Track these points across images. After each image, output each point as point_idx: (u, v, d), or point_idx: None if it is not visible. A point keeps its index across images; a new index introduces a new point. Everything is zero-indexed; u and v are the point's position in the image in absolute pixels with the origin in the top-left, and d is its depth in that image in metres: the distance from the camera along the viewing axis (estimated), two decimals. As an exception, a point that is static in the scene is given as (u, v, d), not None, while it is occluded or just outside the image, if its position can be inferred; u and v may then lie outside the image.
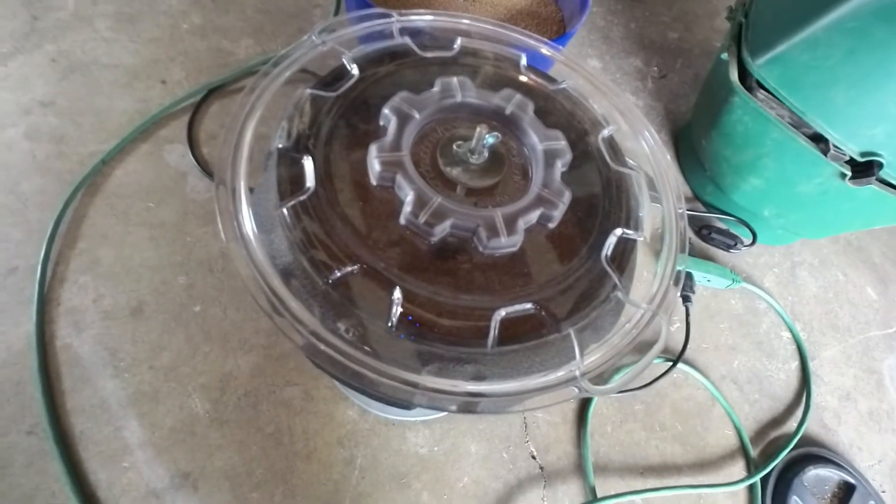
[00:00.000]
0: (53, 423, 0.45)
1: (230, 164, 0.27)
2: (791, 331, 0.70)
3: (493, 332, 0.27)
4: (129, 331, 0.51)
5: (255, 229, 0.27)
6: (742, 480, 0.56)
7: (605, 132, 0.38)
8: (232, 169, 0.27)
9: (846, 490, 0.58)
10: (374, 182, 0.31)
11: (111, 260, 0.54)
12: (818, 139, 0.56)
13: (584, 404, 0.57)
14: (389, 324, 0.26)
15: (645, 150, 0.38)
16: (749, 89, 0.59)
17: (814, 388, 0.65)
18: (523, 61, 0.40)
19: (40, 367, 0.47)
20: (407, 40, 0.37)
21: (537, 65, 0.42)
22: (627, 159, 0.38)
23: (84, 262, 0.53)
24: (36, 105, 0.61)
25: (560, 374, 0.27)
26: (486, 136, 0.31)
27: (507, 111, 0.35)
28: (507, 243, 0.30)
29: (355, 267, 0.27)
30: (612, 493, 0.53)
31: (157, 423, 0.48)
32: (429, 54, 0.37)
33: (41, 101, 0.61)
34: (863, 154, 0.54)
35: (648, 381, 0.58)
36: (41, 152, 0.58)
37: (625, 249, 0.34)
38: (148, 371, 0.50)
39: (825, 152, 0.55)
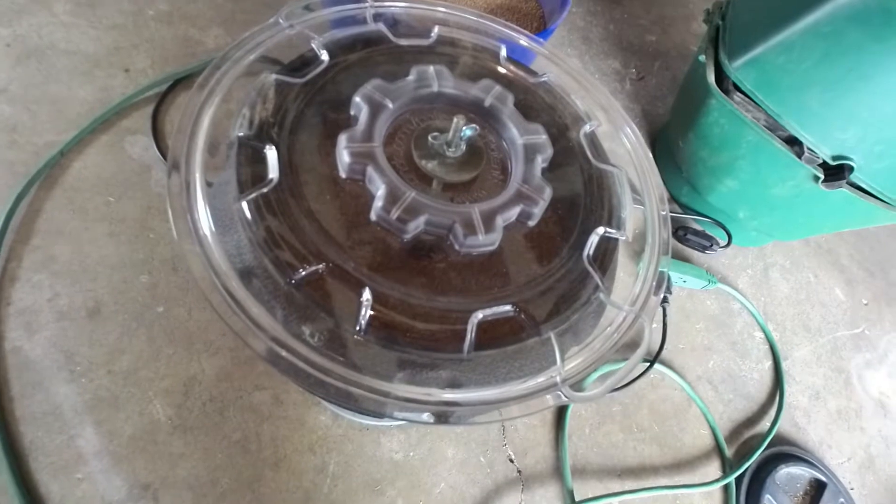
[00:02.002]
0: (1, 432, 0.42)
1: (184, 154, 0.25)
2: (764, 331, 0.71)
3: (470, 335, 0.26)
4: (87, 332, 0.48)
5: (212, 225, 0.25)
6: (717, 480, 0.57)
7: (587, 128, 0.37)
8: (186, 160, 0.25)
9: (817, 488, 0.59)
10: (343, 175, 0.29)
11: (68, 257, 0.51)
12: (792, 142, 0.57)
13: (562, 407, 0.56)
14: (358, 328, 0.25)
15: (627, 147, 0.37)
16: (725, 92, 0.59)
17: (786, 387, 0.66)
18: (503, 52, 0.39)
19: (-15, 372, 0.44)
20: (381, 27, 0.35)
21: (518, 59, 0.41)
22: (609, 157, 0.37)
23: (38, 260, 0.50)
24: (-15, 91, 0.57)
25: (540, 380, 0.26)
26: (464, 127, 0.30)
27: (486, 103, 0.34)
28: (485, 241, 0.29)
29: (321, 266, 0.25)
30: (591, 495, 0.52)
31: (116, 430, 0.45)
32: (404, 42, 0.36)
33: (-8, 88, 0.57)
34: (835, 157, 0.55)
35: (626, 381, 0.58)
36: (-10, 142, 0.54)
37: (607, 249, 0.33)
38: (106, 375, 0.47)
39: (799, 155, 0.56)
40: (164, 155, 0.58)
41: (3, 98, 0.57)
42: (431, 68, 0.33)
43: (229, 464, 0.46)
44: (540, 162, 0.33)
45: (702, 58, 0.62)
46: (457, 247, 0.29)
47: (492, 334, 0.27)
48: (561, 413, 0.56)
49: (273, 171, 0.27)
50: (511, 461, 0.53)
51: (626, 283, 0.33)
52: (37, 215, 0.52)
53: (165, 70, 0.63)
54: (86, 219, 0.53)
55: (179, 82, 0.63)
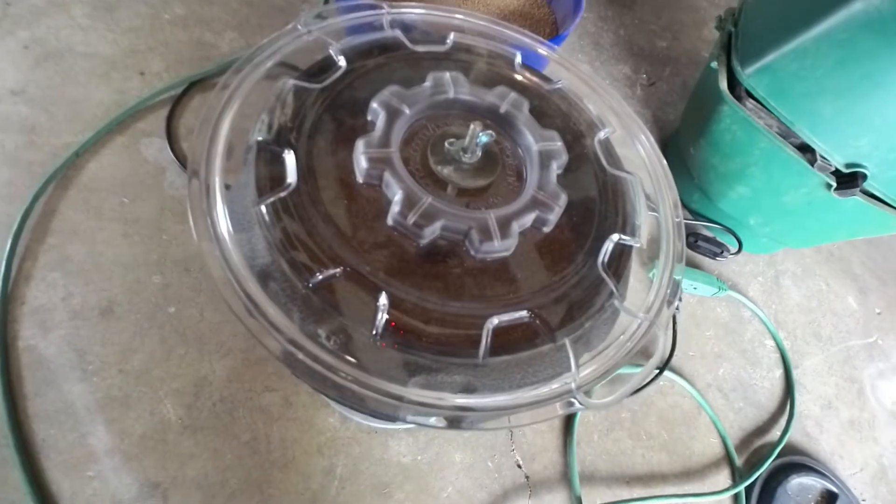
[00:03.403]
0: (14, 429, 0.43)
1: (204, 157, 0.26)
2: (775, 339, 0.70)
3: (485, 341, 0.26)
4: (100, 332, 0.49)
5: (231, 228, 0.25)
6: (727, 489, 0.56)
7: (601, 134, 0.37)
8: (206, 163, 0.25)
9: (829, 499, 0.59)
10: (360, 179, 0.29)
11: (82, 257, 0.51)
12: (805, 149, 0.56)
13: (571, 413, 0.56)
14: (374, 331, 0.25)
15: (641, 154, 0.37)
16: (738, 98, 0.59)
17: (797, 396, 0.65)
18: (518, 59, 0.39)
19: (1, 369, 0.44)
20: (397, 33, 0.35)
21: (531, 64, 0.41)
22: (623, 164, 0.37)
23: (53, 259, 0.51)
24: (6, 93, 0.58)
25: (554, 386, 0.26)
26: (480, 134, 0.30)
27: (502, 109, 0.34)
28: (501, 247, 0.29)
29: (338, 270, 0.26)
30: (599, 502, 0.52)
31: (127, 429, 0.45)
32: (420, 48, 0.36)
33: (11, 90, 0.58)
34: (848, 165, 0.54)
35: (635, 388, 0.58)
36: (10, 142, 0.55)
37: (621, 256, 0.33)
38: (118, 374, 0.47)
39: (812, 162, 0.56)
40: (178, 157, 0.58)
41: (22, 99, 0.58)
42: (447, 75, 0.34)
43: (238, 464, 0.46)
44: (555, 168, 0.33)
45: (714, 64, 0.62)
46: (472, 252, 0.29)
47: (506, 340, 0.27)
48: (569, 419, 0.56)
49: (291, 176, 0.27)
50: (519, 466, 0.53)
51: (639, 290, 0.33)
52: (52, 215, 0.53)
53: (180, 73, 0.64)
54: (100, 219, 0.54)
55: (194, 85, 0.64)
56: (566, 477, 0.53)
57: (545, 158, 0.33)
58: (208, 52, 0.68)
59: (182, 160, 0.58)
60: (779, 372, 0.68)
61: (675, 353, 0.61)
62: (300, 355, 0.24)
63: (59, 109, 0.58)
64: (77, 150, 0.56)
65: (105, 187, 0.55)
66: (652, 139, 0.37)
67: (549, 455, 0.54)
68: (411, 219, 0.27)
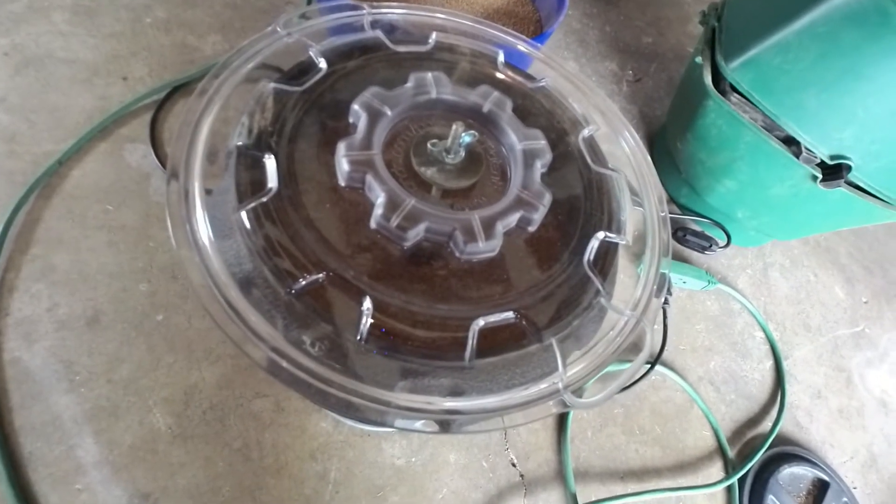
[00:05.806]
0: (0, 442, 0.42)
1: (183, 162, 0.25)
2: (764, 331, 0.71)
3: (472, 343, 0.26)
4: (86, 342, 0.48)
5: (211, 234, 0.25)
6: (720, 481, 0.57)
7: (586, 132, 0.37)
8: (185, 168, 0.25)
9: (820, 487, 0.59)
10: (342, 183, 0.29)
11: (67, 266, 0.51)
12: (790, 142, 0.57)
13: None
14: (359, 336, 0.25)
15: (625, 150, 0.37)
16: (723, 93, 0.59)
17: (787, 387, 0.66)
18: (501, 58, 0.39)
19: (-15, 383, 0.44)
20: (379, 34, 0.35)
21: (516, 63, 0.41)
22: (608, 161, 0.37)
23: (37, 269, 0.50)
24: (-17, 101, 0.57)
25: (542, 386, 0.26)
26: (463, 134, 0.30)
27: (485, 109, 0.34)
28: (485, 248, 0.29)
29: (321, 275, 0.25)
30: (594, 498, 0.52)
31: (115, 440, 0.45)
32: (402, 49, 0.36)
33: (-10, 98, 0.57)
34: (832, 157, 0.55)
35: (627, 383, 0.58)
36: (-11, 152, 0.54)
37: (607, 253, 0.33)
38: (106, 385, 0.47)
39: (797, 155, 0.56)
40: (162, 163, 0.58)
41: (2, 107, 0.57)
42: (429, 75, 0.33)
43: (230, 472, 0.46)
44: (539, 167, 0.33)
45: (698, 59, 0.62)
46: (457, 254, 0.29)
47: (493, 341, 0.27)
48: (563, 416, 0.56)
49: (272, 180, 0.27)
50: (513, 465, 0.53)
51: (627, 285, 0.33)
52: (36, 224, 0.52)
53: (163, 77, 0.63)
54: (85, 227, 0.53)
55: (177, 90, 0.63)
56: (561, 474, 0.53)
57: (529, 157, 0.33)
58: (191, 56, 0.67)
59: (166, 165, 0.58)
60: (769, 363, 0.69)
61: (667, 347, 0.61)
62: (284, 363, 0.24)
63: (40, 117, 0.57)
64: (60, 158, 0.55)
65: (89, 195, 0.55)
66: (636, 135, 0.37)
67: (544, 453, 0.54)
68: (394, 221, 0.27)
